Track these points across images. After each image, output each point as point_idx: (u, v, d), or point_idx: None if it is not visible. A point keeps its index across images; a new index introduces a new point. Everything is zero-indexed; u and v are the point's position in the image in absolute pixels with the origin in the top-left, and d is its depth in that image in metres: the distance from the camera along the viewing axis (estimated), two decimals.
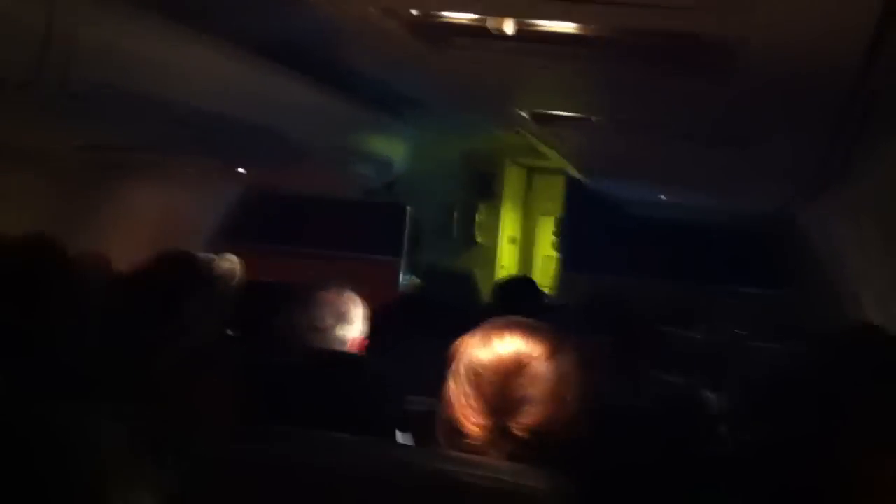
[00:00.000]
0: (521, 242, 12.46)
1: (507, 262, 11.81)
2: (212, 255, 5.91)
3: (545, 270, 12.04)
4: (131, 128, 4.81)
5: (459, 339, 1.85)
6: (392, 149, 7.71)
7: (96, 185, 6.51)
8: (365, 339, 3.12)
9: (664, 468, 2.75)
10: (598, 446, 1.82)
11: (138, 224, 7.09)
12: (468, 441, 1.74)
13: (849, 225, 5.73)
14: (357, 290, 3.40)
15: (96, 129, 4.83)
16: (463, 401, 1.77)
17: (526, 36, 3.06)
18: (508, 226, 11.84)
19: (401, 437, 2.69)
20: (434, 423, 1.82)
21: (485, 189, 11.26)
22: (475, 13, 2.96)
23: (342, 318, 3.03)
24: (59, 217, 6.06)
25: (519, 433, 1.73)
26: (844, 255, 6.28)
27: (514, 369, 1.77)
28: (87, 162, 5.98)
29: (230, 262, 5.82)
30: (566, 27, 3.00)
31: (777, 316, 7.56)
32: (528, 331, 1.83)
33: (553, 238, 11.23)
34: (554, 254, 11.02)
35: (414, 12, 2.96)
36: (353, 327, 3.05)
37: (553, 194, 11.44)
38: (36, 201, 6.04)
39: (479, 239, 11.29)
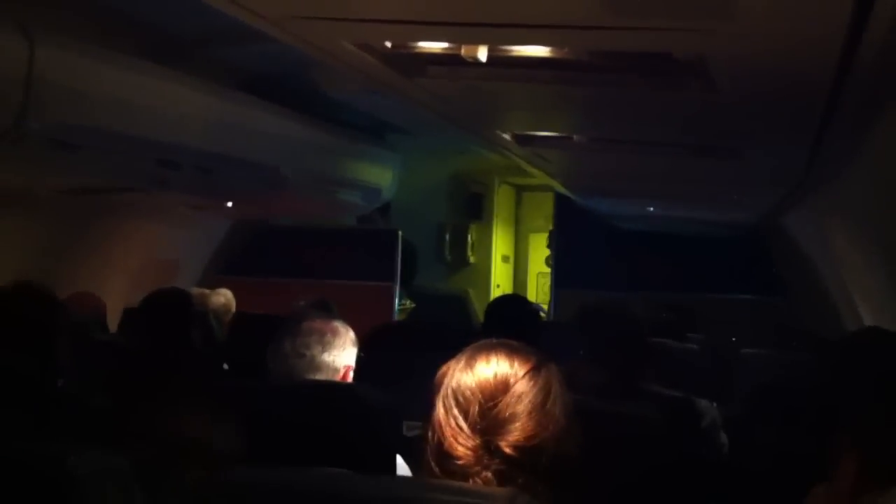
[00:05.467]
0: (515, 260, 12.51)
1: (501, 281, 11.85)
2: (206, 291, 5.94)
3: (540, 287, 12.09)
4: (117, 170, 4.84)
5: (445, 366, 1.89)
6: (379, 175, 7.76)
7: (87, 226, 6.55)
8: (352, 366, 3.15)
9: (661, 478, 2.77)
10: (592, 459, 1.84)
11: (130, 264, 7.11)
12: (458, 463, 1.77)
13: (837, 228, 5.77)
14: (353, 316, 3.45)
15: (83, 173, 4.86)
16: (451, 424, 1.80)
17: (500, 61, 3.09)
18: (501, 244, 11.89)
19: (400, 463, 2.71)
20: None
21: (476, 209, 11.32)
22: (448, 42, 3.00)
23: (328, 345, 3.08)
24: (49, 260, 6.07)
25: (508, 451, 1.76)
26: (835, 258, 6.32)
27: (498, 389, 1.81)
28: (76, 204, 6.00)
29: (224, 297, 5.86)
30: (540, 51, 3.03)
31: (772, 323, 7.60)
32: (511, 351, 1.88)
33: (547, 254, 11.28)
34: (547, 270, 11.07)
35: (388, 44, 2.99)
36: (342, 354, 3.10)
37: (543, 212, 11.50)
38: (25, 244, 6.06)
39: (472, 259, 11.33)
